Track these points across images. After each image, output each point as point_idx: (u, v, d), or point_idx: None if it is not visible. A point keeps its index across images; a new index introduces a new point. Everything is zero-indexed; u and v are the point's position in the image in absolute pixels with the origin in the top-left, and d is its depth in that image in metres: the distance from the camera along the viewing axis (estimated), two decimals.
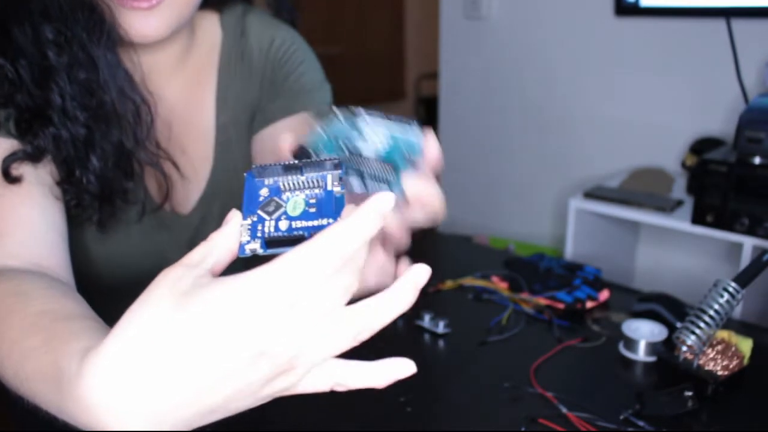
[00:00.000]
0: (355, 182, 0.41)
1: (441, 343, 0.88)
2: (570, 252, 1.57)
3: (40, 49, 0.59)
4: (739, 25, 1.47)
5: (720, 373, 0.74)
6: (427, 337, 0.89)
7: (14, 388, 0.41)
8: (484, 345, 0.87)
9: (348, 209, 0.34)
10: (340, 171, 0.37)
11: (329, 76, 0.86)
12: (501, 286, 1.01)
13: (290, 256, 0.30)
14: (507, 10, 1.93)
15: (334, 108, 0.43)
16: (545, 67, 1.88)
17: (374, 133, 0.41)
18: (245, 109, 0.80)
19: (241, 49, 0.80)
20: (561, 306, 0.95)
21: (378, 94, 3.49)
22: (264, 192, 0.37)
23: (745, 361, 0.76)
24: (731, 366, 0.75)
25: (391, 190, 0.39)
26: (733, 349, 0.77)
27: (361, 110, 0.42)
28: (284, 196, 0.36)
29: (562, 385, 0.77)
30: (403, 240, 0.41)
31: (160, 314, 0.30)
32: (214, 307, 0.29)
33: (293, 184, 0.36)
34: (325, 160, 0.37)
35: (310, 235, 0.33)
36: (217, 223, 0.87)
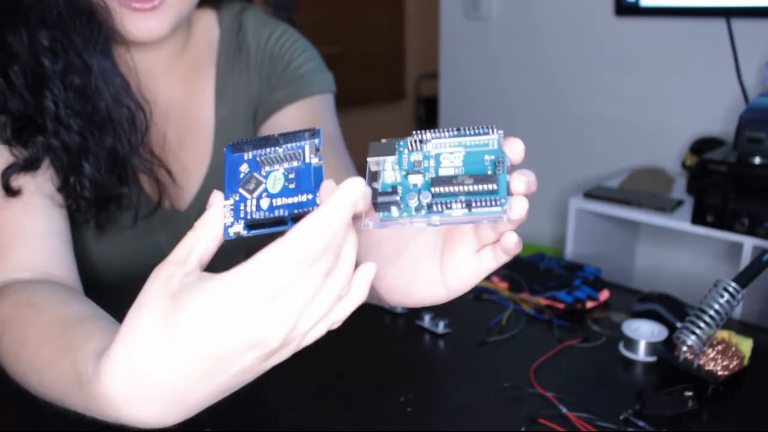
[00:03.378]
0: (456, 209, 0.36)
1: (441, 343, 0.88)
2: (570, 252, 1.57)
3: (35, 56, 0.59)
4: (739, 25, 1.47)
5: (720, 373, 0.74)
6: (427, 337, 0.89)
7: (41, 395, 0.44)
8: (484, 345, 0.87)
9: (326, 185, 0.34)
10: (317, 140, 0.36)
11: None
12: (501, 286, 1.01)
13: (265, 254, 0.31)
14: (507, 10, 1.93)
15: (397, 141, 0.38)
16: (545, 67, 1.88)
17: (447, 151, 0.37)
18: (247, 103, 0.80)
19: (238, 44, 0.80)
20: (561, 306, 0.95)
21: (378, 94, 3.49)
22: (244, 168, 0.37)
23: (745, 361, 0.76)
24: (731, 366, 0.75)
25: (498, 201, 0.35)
26: (733, 349, 0.76)
27: (426, 133, 0.38)
28: (263, 171, 0.36)
29: (562, 385, 0.77)
30: (517, 246, 0.39)
31: (154, 317, 0.33)
32: (199, 308, 0.32)
33: (272, 157, 0.36)
34: (304, 130, 0.36)
35: (290, 214, 0.34)
36: None
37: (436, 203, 0.36)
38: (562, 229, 1.87)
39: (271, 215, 0.35)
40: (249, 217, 0.35)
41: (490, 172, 0.36)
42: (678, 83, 1.64)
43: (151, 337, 0.32)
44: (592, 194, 1.52)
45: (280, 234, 0.32)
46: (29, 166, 0.61)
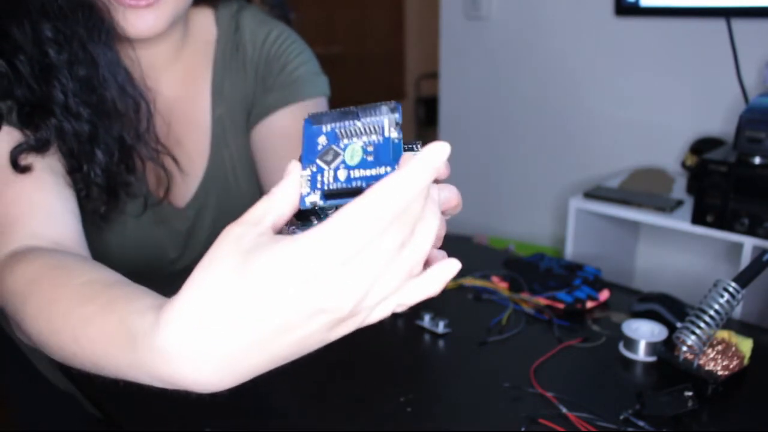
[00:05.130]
0: None
1: (441, 343, 0.88)
2: (570, 252, 1.57)
3: (40, 47, 0.61)
4: (739, 25, 1.47)
5: (720, 373, 0.74)
6: (427, 337, 0.89)
7: (68, 358, 0.42)
8: (484, 345, 0.87)
9: (406, 157, 0.34)
10: (396, 115, 0.36)
11: (329, 76, 0.86)
12: (501, 286, 1.01)
13: (339, 216, 0.31)
14: (507, 10, 1.93)
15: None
16: (545, 67, 1.88)
17: None
18: (241, 103, 0.81)
19: (235, 44, 0.80)
20: (561, 306, 0.95)
21: (378, 94, 3.49)
22: (322, 140, 0.37)
23: (745, 361, 0.76)
24: (731, 366, 0.75)
25: None
26: (733, 349, 0.77)
27: None
28: (341, 144, 0.36)
29: (562, 385, 0.77)
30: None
31: (226, 271, 0.32)
32: (271, 268, 0.31)
33: (350, 130, 0.36)
34: (383, 104, 0.36)
35: (368, 186, 0.34)
36: (212, 215, 0.87)
37: None
38: (562, 229, 1.87)
39: (349, 186, 0.35)
40: (326, 187, 0.35)
41: None
42: (678, 83, 1.64)
43: (220, 291, 0.32)
44: (592, 194, 1.53)
45: None
46: (40, 147, 0.61)
